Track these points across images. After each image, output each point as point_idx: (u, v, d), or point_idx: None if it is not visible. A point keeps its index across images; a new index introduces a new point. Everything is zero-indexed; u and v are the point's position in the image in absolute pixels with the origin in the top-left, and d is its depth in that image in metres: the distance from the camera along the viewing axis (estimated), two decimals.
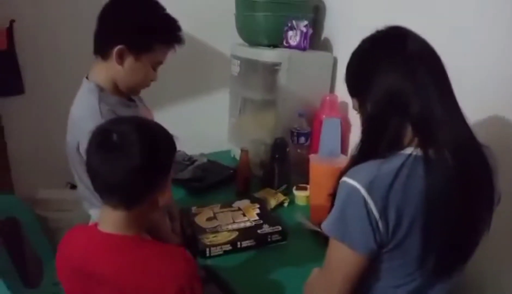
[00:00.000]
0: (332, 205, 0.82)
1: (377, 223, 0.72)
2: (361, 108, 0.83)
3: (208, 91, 2.11)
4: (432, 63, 0.76)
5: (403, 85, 0.74)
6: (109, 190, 0.81)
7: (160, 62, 1.14)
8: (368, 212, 0.72)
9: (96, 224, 0.85)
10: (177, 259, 0.82)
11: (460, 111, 0.77)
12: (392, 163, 0.73)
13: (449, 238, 0.75)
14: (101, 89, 1.10)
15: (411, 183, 0.72)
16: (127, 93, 1.15)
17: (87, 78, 1.13)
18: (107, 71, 1.09)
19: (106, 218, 0.83)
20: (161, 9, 1.10)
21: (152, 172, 0.80)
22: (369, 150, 0.79)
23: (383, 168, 0.73)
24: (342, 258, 0.78)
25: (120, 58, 1.06)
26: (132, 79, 1.11)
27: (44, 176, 1.80)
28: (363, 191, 0.72)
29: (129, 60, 1.07)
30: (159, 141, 0.82)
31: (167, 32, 1.10)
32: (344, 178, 0.76)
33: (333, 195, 0.85)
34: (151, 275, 0.78)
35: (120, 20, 1.06)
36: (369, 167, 0.75)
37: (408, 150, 0.75)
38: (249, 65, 1.71)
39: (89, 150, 0.80)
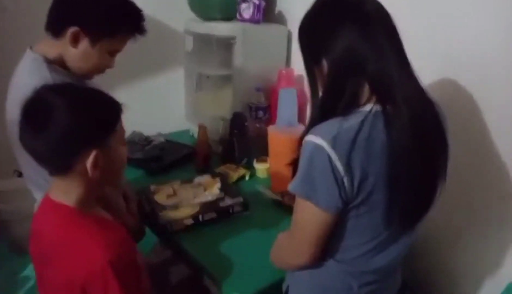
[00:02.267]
0: (294, 173, 0.83)
1: (342, 179, 0.74)
2: (318, 70, 0.83)
3: (162, 69, 2.04)
4: (387, 24, 0.78)
5: (361, 45, 0.75)
6: (37, 157, 0.79)
7: (118, 50, 1.09)
8: (333, 168, 0.73)
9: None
10: (99, 242, 0.76)
11: (412, 70, 0.79)
12: (353, 120, 0.75)
13: (413, 189, 0.78)
14: (49, 62, 1.02)
15: (373, 137, 0.74)
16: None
17: (30, 48, 1.05)
18: (57, 48, 1.02)
19: (52, 183, 0.83)
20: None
21: (78, 134, 0.76)
22: (328, 110, 0.80)
23: (344, 124, 0.74)
24: (309, 217, 0.79)
25: (75, 41, 1.00)
26: (85, 64, 1.05)
27: None
28: (327, 148, 0.73)
29: (84, 44, 1.01)
30: (88, 106, 0.78)
31: (131, 21, 1.05)
32: (307, 137, 0.77)
33: (293, 163, 0.86)
34: (69, 253, 0.77)
35: (82, 0, 1.00)
36: (331, 125, 0.76)
37: (367, 107, 0.77)
38: (203, 40, 1.67)
39: (19, 120, 0.77)
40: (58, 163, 0.78)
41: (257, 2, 1.57)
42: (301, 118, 1.50)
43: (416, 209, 0.82)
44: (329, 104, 0.80)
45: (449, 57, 1.19)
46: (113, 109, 0.82)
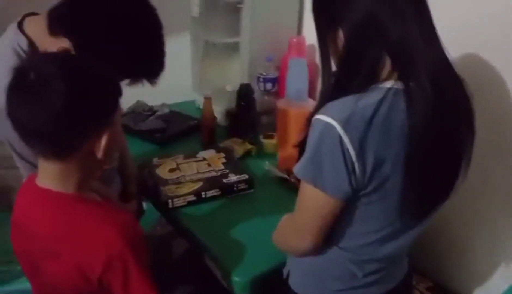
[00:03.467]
0: (301, 155, 0.76)
1: (353, 164, 0.67)
2: (333, 40, 0.74)
3: (167, 35, 1.94)
4: None
5: (381, 10, 0.67)
6: (31, 138, 0.70)
7: None
8: (344, 151, 0.66)
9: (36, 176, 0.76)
10: (111, 225, 0.73)
11: (439, 41, 0.70)
12: (371, 98, 0.67)
13: (433, 176, 0.71)
14: (32, 52, 0.88)
15: (391, 118, 0.66)
16: None
17: (20, 24, 0.92)
18: (45, 42, 0.88)
19: (42, 170, 0.74)
20: (155, 39, 0.91)
21: (80, 118, 0.69)
22: (343, 84, 0.72)
23: (360, 102, 0.66)
24: (314, 202, 0.73)
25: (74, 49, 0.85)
26: None
27: None
28: (338, 128, 0.65)
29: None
30: (92, 80, 0.70)
31: (141, 68, 0.91)
32: (317, 116, 0.69)
33: (300, 144, 0.79)
34: (81, 242, 0.71)
35: (89, 19, 0.83)
36: (345, 103, 0.68)
37: (388, 84, 0.69)
38: (210, 4, 1.57)
39: (7, 93, 0.68)
40: (62, 143, 0.70)
41: None
42: (311, 93, 1.41)
43: (434, 197, 0.76)
44: (344, 79, 0.73)
45: (480, 29, 1.08)
46: (116, 84, 0.76)
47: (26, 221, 0.75)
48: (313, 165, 0.70)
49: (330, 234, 0.77)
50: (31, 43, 0.89)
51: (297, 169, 0.74)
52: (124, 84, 0.89)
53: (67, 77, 0.66)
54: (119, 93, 0.76)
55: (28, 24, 0.91)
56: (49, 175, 0.73)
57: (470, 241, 1.24)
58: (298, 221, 0.79)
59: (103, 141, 0.72)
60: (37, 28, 0.89)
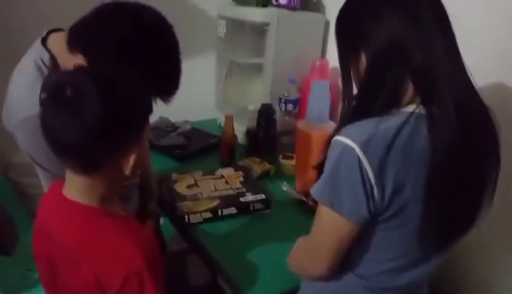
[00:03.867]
0: (319, 175, 0.75)
1: (371, 188, 0.65)
2: (355, 63, 0.74)
3: (193, 55, 1.99)
4: (439, 12, 0.69)
5: (406, 33, 0.66)
6: (62, 152, 0.72)
7: None
8: (363, 174, 0.65)
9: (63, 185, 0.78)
10: (131, 240, 0.73)
11: (464, 66, 0.69)
12: (392, 121, 0.66)
13: (454, 205, 0.68)
14: (55, 66, 0.92)
15: (413, 143, 0.65)
16: None
17: (44, 40, 0.95)
18: (65, 58, 0.90)
19: (69, 182, 0.76)
20: (172, 59, 0.89)
21: (113, 135, 0.70)
22: (364, 107, 0.71)
23: (381, 125, 0.65)
24: (330, 224, 0.72)
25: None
26: None
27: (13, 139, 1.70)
28: (357, 150, 0.64)
29: None
30: (124, 97, 0.71)
31: (157, 88, 0.89)
32: (337, 137, 0.68)
33: (318, 166, 0.78)
34: (102, 254, 0.71)
35: (106, 36, 0.84)
36: (365, 125, 0.67)
37: (410, 108, 0.68)
38: (236, 26, 1.60)
39: (42, 105, 0.70)
40: (93, 158, 0.71)
41: None
42: (332, 115, 1.40)
43: (455, 226, 0.73)
44: (365, 102, 0.72)
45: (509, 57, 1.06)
46: (148, 101, 0.77)
47: (51, 226, 0.76)
48: (331, 187, 0.69)
49: (346, 260, 0.75)
50: (53, 58, 0.92)
51: (314, 190, 0.73)
52: None
53: (103, 94, 0.66)
54: (150, 110, 0.77)
55: (52, 40, 0.95)
56: (76, 187, 0.75)
57: (491, 270, 1.18)
58: (314, 243, 0.78)
59: (132, 157, 0.74)
60: (59, 44, 0.91)
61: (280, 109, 1.56)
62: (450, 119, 0.64)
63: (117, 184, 0.80)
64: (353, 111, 0.74)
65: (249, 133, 1.57)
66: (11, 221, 1.58)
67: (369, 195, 0.66)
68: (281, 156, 1.46)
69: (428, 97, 0.67)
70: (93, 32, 0.86)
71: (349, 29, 0.76)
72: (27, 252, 1.54)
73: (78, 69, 0.84)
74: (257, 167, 1.42)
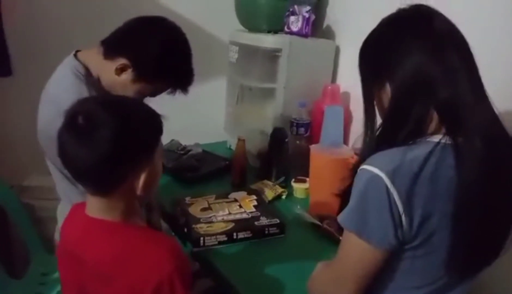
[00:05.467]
0: (342, 204, 0.75)
1: (400, 217, 0.65)
2: (378, 93, 0.75)
3: (204, 79, 2.03)
4: (460, 44, 0.70)
5: (432, 68, 0.67)
6: (80, 177, 0.74)
7: (153, 95, 1.09)
8: (391, 203, 0.65)
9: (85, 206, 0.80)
10: (159, 249, 0.74)
11: (488, 97, 0.70)
12: (419, 151, 0.67)
13: (482, 233, 0.68)
14: (88, 74, 1.03)
15: (439, 172, 0.65)
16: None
17: (75, 56, 1.05)
18: (100, 65, 1.03)
19: (90, 203, 0.78)
20: (189, 57, 1.08)
21: (125, 159, 0.72)
22: (389, 136, 0.72)
23: (408, 155, 0.66)
24: (357, 252, 0.71)
25: (121, 71, 1.01)
26: (118, 92, 1.04)
27: (31, 162, 1.72)
28: (385, 179, 0.65)
29: (127, 76, 1.02)
30: (135, 122, 0.73)
31: (180, 80, 1.08)
32: (364, 166, 0.69)
33: (342, 194, 0.79)
34: (133, 265, 0.72)
35: (146, 41, 1.01)
36: (392, 154, 0.68)
37: (436, 138, 0.68)
38: (248, 52, 1.64)
39: (59, 132, 0.72)
40: (106, 183, 0.74)
41: (306, 15, 1.52)
42: (345, 139, 1.42)
43: (482, 255, 0.72)
44: (390, 131, 0.73)
45: None
46: (158, 123, 0.79)
47: (79, 248, 0.77)
48: (358, 215, 0.69)
49: (371, 287, 0.74)
50: (86, 68, 1.04)
51: (341, 218, 0.73)
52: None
53: (115, 122, 0.69)
54: (160, 131, 0.80)
55: (81, 55, 1.06)
56: (98, 207, 0.77)
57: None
58: (339, 270, 0.77)
59: (142, 179, 0.75)
60: (90, 57, 1.05)
61: (292, 132, 1.58)
62: (476, 149, 0.65)
63: (134, 200, 0.81)
64: (377, 140, 0.75)
65: (260, 156, 1.58)
66: (23, 244, 1.58)
67: (397, 223, 0.66)
68: (293, 179, 1.47)
69: (453, 128, 0.68)
70: (136, 36, 1.02)
71: (374, 60, 0.76)
72: (37, 276, 1.55)
73: (92, 97, 0.87)
74: (269, 190, 1.43)
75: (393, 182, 0.64)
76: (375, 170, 0.66)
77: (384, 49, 0.74)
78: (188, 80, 1.09)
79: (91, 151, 0.69)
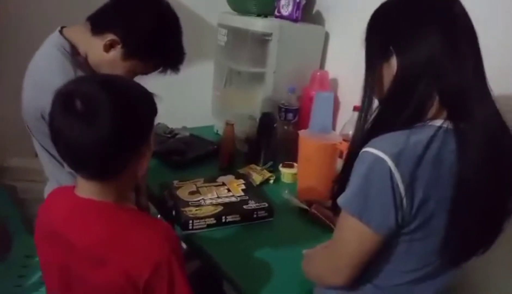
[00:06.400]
0: (338, 190, 0.76)
1: (401, 200, 0.66)
2: (382, 67, 0.74)
3: (192, 62, 1.98)
4: (471, 32, 0.71)
5: (444, 53, 0.67)
6: (78, 163, 0.72)
7: (142, 74, 1.06)
8: (394, 186, 0.65)
9: (73, 188, 0.78)
10: (155, 231, 0.74)
11: (490, 92, 0.71)
12: (422, 134, 0.67)
13: (478, 219, 0.70)
14: (75, 52, 0.99)
15: (442, 157, 0.66)
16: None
17: (60, 32, 1.01)
18: (88, 43, 1.00)
19: (81, 186, 0.76)
20: (180, 35, 1.06)
21: (127, 142, 0.70)
22: (389, 117, 0.72)
23: (412, 138, 0.66)
24: (355, 237, 0.72)
25: (109, 47, 0.98)
26: (107, 70, 1.01)
27: (13, 144, 1.67)
28: (389, 162, 0.65)
29: (115, 53, 0.99)
30: (134, 102, 0.71)
31: (171, 59, 1.06)
32: (367, 148, 0.68)
33: (338, 180, 0.80)
34: (129, 248, 0.71)
35: (137, 17, 0.98)
36: (395, 137, 0.68)
37: (437, 122, 0.69)
38: (237, 35, 1.62)
39: (51, 115, 0.68)
40: (107, 170, 0.72)
41: (297, 0, 1.51)
42: (333, 125, 1.43)
43: (477, 242, 0.74)
44: (390, 112, 0.72)
45: None
46: (153, 103, 0.77)
47: (66, 231, 0.75)
48: (360, 198, 0.69)
49: (366, 270, 0.75)
50: (72, 46, 1.00)
51: (342, 202, 0.73)
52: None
53: (115, 104, 0.67)
54: (155, 112, 0.78)
55: (67, 32, 1.02)
56: (90, 189, 0.75)
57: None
58: (335, 254, 0.77)
59: (146, 160, 0.75)
60: (77, 33, 1.01)
61: (280, 118, 1.58)
62: (478, 136, 0.66)
63: (130, 184, 0.82)
64: (375, 121, 0.75)
65: (248, 140, 1.58)
66: (4, 227, 1.55)
67: (398, 206, 0.67)
68: (281, 164, 1.48)
69: (456, 114, 0.69)
70: (126, 10, 0.99)
71: (387, 31, 0.74)
72: (20, 258, 1.52)
73: (86, 77, 0.84)
74: (257, 175, 1.44)
75: (397, 165, 0.65)
76: (379, 153, 0.66)
77: (399, 21, 0.73)
78: (180, 58, 1.07)
79: (93, 137, 0.66)
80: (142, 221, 0.77)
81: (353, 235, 0.72)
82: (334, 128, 1.57)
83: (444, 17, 0.70)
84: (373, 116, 0.76)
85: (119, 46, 0.98)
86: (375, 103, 0.77)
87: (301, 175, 1.35)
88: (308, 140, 1.26)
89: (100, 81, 0.72)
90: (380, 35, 0.75)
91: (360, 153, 0.70)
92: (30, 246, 1.52)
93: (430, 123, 0.70)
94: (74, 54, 1.00)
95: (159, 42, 1.00)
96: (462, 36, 0.69)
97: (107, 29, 0.97)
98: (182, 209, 1.17)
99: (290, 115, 1.58)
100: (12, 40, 1.62)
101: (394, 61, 0.72)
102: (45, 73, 0.96)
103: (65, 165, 0.96)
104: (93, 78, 0.82)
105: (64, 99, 0.67)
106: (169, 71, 1.08)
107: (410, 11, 0.72)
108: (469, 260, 0.78)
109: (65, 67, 0.95)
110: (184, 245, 1.21)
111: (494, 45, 1.08)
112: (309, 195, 1.26)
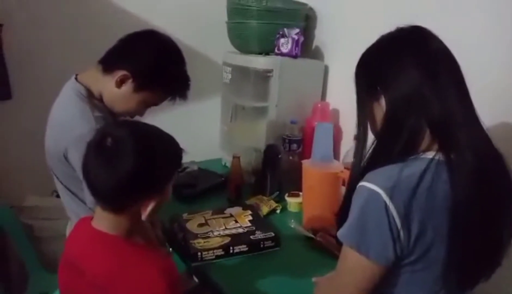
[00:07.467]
0: (339, 222, 0.78)
1: (398, 232, 0.68)
2: (372, 107, 0.78)
3: (200, 99, 2.09)
4: (453, 66, 0.75)
5: (425, 85, 0.71)
6: (96, 193, 0.79)
7: (154, 104, 1.15)
8: (389, 219, 0.68)
9: (91, 218, 0.85)
10: (153, 267, 0.78)
11: (477, 115, 0.74)
12: (415, 167, 0.70)
13: (477, 246, 0.71)
14: (90, 95, 1.08)
15: (436, 188, 0.69)
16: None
17: (76, 79, 1.11)
18: (101, 83, 1.09)
19: (98, 215, 0.83)
20: (183, 63, 1.14)
21: (142, 188, 0.78)
22: (383, 152, 0.75)
23: (405, 172, 0.69)
24: (356, 268, 0.74)
25: (121, 83, 1.07)
26: (121, 105, 1.10)
27: (30, 183, 1.75)
28: (384, 196, 0.68)
29: (127, 88, 1.08)
30: (158, 157, 0.78)
31: (177, 86, 1.14)
32: (363, 183, 0.72)
33: (339, 212, 0.83)
34: (128, 281, 0.76)
35: (142, 51, 1.07)
36: (389, 171, 0.71)
37: (429, 154, 0.72)
38: (240, 72, 1.71)
39: (86, 151, 0.78)
40: (119, 203, 0.79)
41: (296, 38, 1.60)
42: (335, 154, 1.48)
43: (478, 268, 0.76)
44: (384, 146, 0.76)
45: None
46: (178, 158, 0.84)
47: (79, 257, 0.81)
48: (357, 230, 0.71)
49: None
50: (87, 89, 1.09)
51: (341, 234, 0.75)
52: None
53: (140, 154, 0.75)
54: (179, 166, 0.86)
55: (81, 77, 1.12)
56: (105, 221, 0.82)
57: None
58: (338, 286, 0.79)
59: (150, 206, 0.81)
60: (90, 77, 1.10)
61: (285, 148, 1.63)
62: (468, 164, 0.68)
63: (139, 220, 0.86)
64: (372, 155, 0.79)
65: (255, 172, 1.63)
66: (21, 263, 1.59)
67: (395, 238, 0.69)
68: (287, 194, 1.52)
69: (445, 144, 0.71)
70: (132, 47, 1.08)
71: (372, 73, 0.79)
72: None
73: (123, 122, 0.91)
74: (264, 205, 1.47)
75: (391, 198, 0.67)
76: (374, 187, 0.69)
77: (382, 63, 0.77)
78: (185, 85, 1.14)
79: (112, 173, 0.74)
80: (143, 256, 0.82)
81: (353, 266, 0.74)
82: (337, 156, 1.61)
83: (420, 51, 0.74)
84: (369, 150, 0.80)
85: (130, 81, 1.06)
86: (371, 137, 0.81)
87: (306, 204, 1.38)
88: (310, 170, 1.30)
89: (134, 129, 0.80)
90: (367, 78, 0.80)
91: (357, 187, 0.73)
92: (46, 282, 1.58)
93: (422, 156, 0.73)
94: (90, 97, 1.08)
95: (163, 70, 1.08)
96: (441, 67, 0.73)
97: (116, 67, 1.06)
98: (191, 241, 1.20)
99: (294, 146, 1.64)
100: (31, 88, 1.73)
101: (383, 100, 0.76)
102: (65, 116, 1.05)
103: (87, 202, 1.03)
104: (129, 124, 0.89)
105: (99, 135, 0.77)
106: (178, 99, 1.15)
107: (389, 51, 0.77)
108: (474, 287, 0.78)
109: (83, 110, 1.04)
110: (195, 279, 1.25)
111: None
112: (314, 224, 1.29)
